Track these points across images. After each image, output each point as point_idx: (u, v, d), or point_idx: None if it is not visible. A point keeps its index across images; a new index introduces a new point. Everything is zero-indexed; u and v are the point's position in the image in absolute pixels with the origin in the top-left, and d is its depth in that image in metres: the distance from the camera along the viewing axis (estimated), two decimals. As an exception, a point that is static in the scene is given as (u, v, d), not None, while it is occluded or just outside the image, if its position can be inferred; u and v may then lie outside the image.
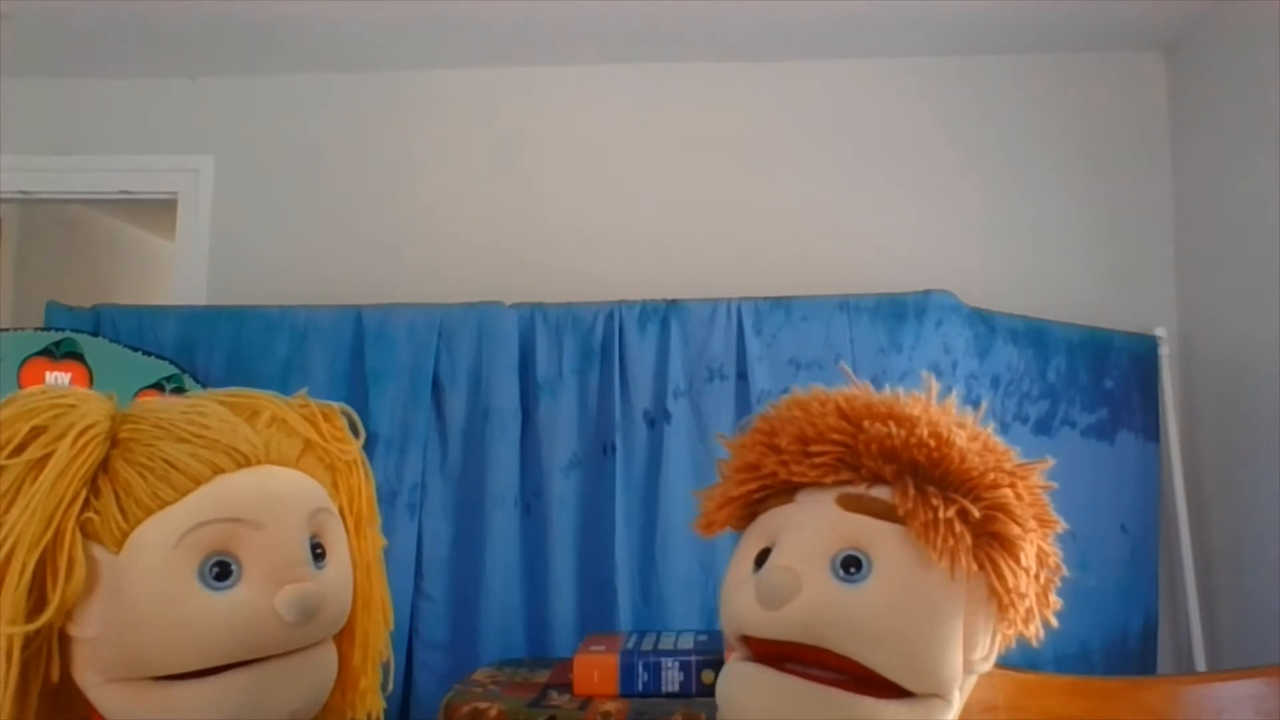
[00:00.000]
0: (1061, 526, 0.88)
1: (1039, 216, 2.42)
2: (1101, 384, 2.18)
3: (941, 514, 0.79)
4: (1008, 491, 0.83)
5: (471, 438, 2.03)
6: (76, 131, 2.61)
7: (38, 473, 0.77)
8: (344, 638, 0.93)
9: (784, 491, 0.89)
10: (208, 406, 0.88)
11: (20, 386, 1.80)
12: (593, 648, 1.63)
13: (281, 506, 0.84)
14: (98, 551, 0.78)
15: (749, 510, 0.92)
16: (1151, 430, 2.23)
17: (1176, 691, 1.38)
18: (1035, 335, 2.13)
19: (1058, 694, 1.32)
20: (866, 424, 0.85)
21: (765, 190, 2.46)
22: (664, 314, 2.04)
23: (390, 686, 1.03)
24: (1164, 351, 2.25)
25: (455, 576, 1.99)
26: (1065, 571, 0.87)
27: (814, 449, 0.86)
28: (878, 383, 2.08)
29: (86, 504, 0.79)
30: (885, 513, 0.83)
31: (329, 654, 0.88)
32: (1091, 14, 2.25)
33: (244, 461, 0.84)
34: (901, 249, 2.39)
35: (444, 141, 2.55)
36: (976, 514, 0.80)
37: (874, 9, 2.24)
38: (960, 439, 0.84)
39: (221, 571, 0.79)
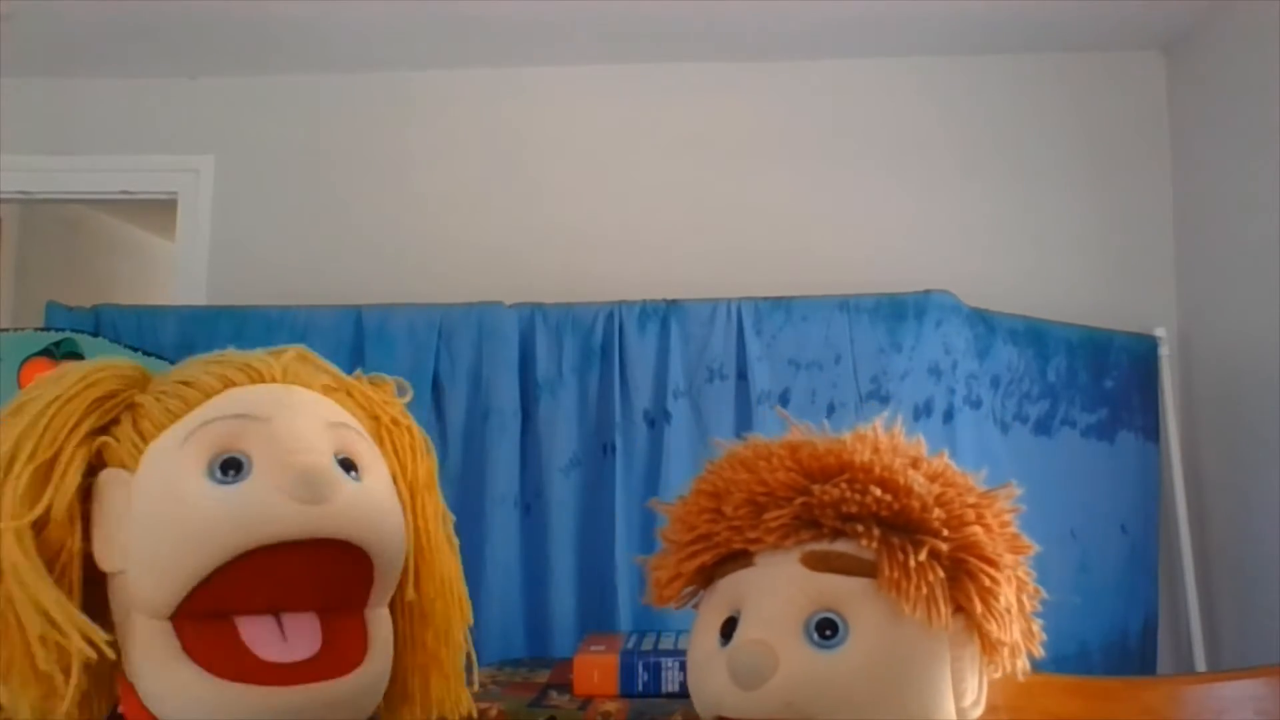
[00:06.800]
0: (1034, 549, 0.83)
1: (1039, 216, 2.42)
2: (1101, 384, 2.18)
3: (912, 562, 0.75)
4: (976, 529, 0.77)
5: (471, 438, 2.03)
6: (76, 131, 2.61)
7: (53, 400, 0.78)
8: (402, 611, 0.88)
9: (741, 554, 0.83)
10: (230, 350, 0.87)
11: (20, 387, 1.79)
12: (593, 648, 1.63)
13: (293, 405, 0.81)
14: (120, 476, 0.77)
15: (704, 576, 0.86)
16: (1151, 430, 2.23)
17: (1176, 691, 1.38)
18: (1035, 335, 2.13)
19: (1058, 694, 1.32)
20: (817, 489, 0.79)
21: (765, 190, 2.46)
22: (664, 314, 2.04)
23: (475, 686, 0.96)
24: (1164, 351, 2.25)
25: (455, 576, 1.99)
26: (1044, 594, 0.83)
27: (769, 516, 0.80)
28: (878, 382, 2.08)
29: (105, 433, 0.79)
30: (855, 568, 0.77)
31: (381, 618, 0.83)
32: (1091, 14, 2.25)
33: (258, 378, 0.82)
34: (901, 249, 2.39)
35: (444, 141, 2.55)
36: (945, 549, 0.76)
37: (874, 9, 2.24)
38: (918, 483, 0.78)
39: (232, 469, 0.76)
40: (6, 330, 1.92)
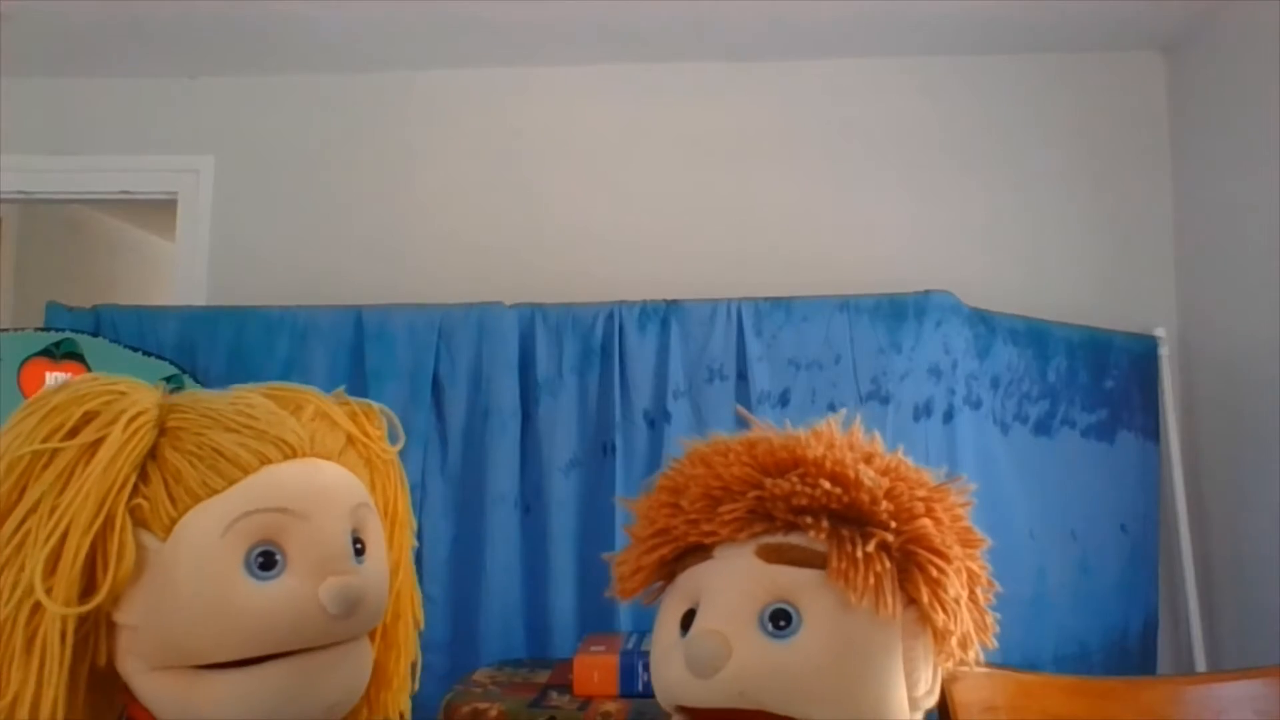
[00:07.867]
0: (986, 543, 0.84)
1: (1039, 217, 2.41)
2: (1101, 384, 2.18)
3: (859, 553, 0.76)
4: (925, 521, 0.79)
5: (471, 438, 2.03)
6: (76, 131, 2.61)
7: (90, 457, 0.77)
8: (375, 636, 0.94)
9: (700, 548, 0.85)
10: (254, 398, 0.89)
11: (20, 387, 1.80)
12: (593, 648, 1.63)
13: (327, 499, 0.85)
14: (145, 538, 0.79)
15: (666, 570, 0.88)
16: (1151, 430, 2.23)
17: (1176, 691, 1.38)
18: (1035, 336, 2.13)
19: (1058, 694, 1.32)
20: (769, 483, 0.81)
21: (765, 190, 2.46)
22: (664, 314, 2.04)
23: (416, 686, 1.03)
24: (1164, 351, 2.25)
25: (455, 576, 1.99)
26: (998, 587, 0.85)
27: (724, 509, 0.82)
28: (878, 383, 2.08)
29: (136, 490, 0.79)
30: (808, 559, 0.79)
31: (365, 649, 0.89)
32: (1091, 14, 2.25)
33: (290, 453, 0.85)
34: (901, 249, 2.39)
35: (444, 141, 2.55)
36: (893, 540, 0.78)
37: (874, 9, 2.23)
38: (868, 477, 0.80)
39: (266, 561, 0.80)
40: (6, 330, 1.92)
